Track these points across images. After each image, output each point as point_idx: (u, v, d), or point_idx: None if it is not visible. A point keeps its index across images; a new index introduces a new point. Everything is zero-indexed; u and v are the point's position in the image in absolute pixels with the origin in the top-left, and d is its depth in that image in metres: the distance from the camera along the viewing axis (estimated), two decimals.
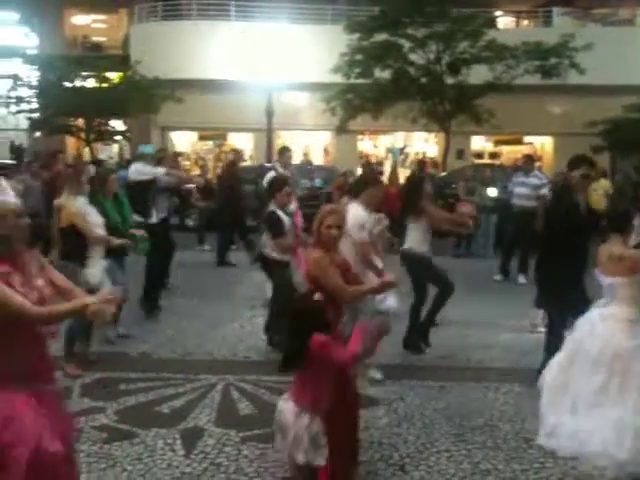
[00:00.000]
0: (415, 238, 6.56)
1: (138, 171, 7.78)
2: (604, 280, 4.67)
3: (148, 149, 8.29)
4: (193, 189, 11.68)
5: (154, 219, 7.81)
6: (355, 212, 5.49)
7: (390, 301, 5.59)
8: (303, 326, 3.67)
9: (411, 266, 6.59)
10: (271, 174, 8.76)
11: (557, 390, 4.71)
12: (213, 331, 7.40)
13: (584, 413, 4.50)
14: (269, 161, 19.05)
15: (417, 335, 6.69)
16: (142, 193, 7.66)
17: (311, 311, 3.74)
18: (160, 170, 7.86)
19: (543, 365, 5.17)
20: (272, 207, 6.45)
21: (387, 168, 19.73)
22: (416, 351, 6.64)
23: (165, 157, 8.75)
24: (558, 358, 4.81)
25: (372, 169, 12.62)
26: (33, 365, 3.19)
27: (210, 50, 20.69)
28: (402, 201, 7.05)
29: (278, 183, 6.69)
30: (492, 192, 12.28)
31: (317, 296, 3.82)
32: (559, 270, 5.56)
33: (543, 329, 6.53)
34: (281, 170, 9.19)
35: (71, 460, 3.32)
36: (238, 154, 13.97)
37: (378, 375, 5.84)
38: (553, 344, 5.28)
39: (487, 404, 5.48)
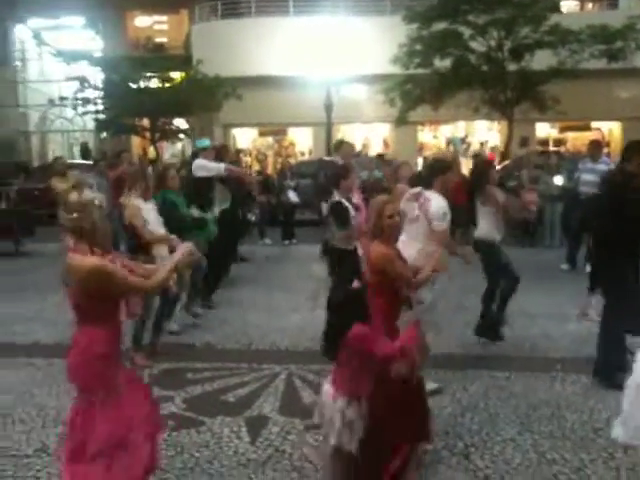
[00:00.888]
0: (486, 224, 6.52)
1: (201, 166, 7.92)
2: None
3: (204, 142, 8.40)
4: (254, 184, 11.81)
5: (215, 213, 7.94)
6: (437, 201, 5.32)
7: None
8: (343, 314, 3.68)
9: (483, 252, 6.53)
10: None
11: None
12: (276, 322, 7.51)
13: None
14: (329, 155, 19.12)
15: (490, 323, 6.63)
16: (205, 188, 7.80)
17: (351, 300, 3.74)
18: (221, 166, 7.99)
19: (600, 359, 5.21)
20: (337, 197, 6.41)
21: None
22: (490, 337, 6.58)
23: (225, 152, 8.87)
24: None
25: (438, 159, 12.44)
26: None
27: (269, 47, 20.88)
28: (469, 188, 6.99)
29: (343, 172, 6.64)
30: (558, 180, 11.98)
31: (356, 283, 3.82)
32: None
33: (596, 317, 6.48)
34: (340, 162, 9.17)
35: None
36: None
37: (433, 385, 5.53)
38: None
39: (553, 394, 5.38)
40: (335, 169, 7.14)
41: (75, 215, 3.36)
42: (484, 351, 6.43)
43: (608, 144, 21.71)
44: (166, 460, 4.35)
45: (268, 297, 8.70)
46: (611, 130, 22.55)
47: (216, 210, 7.95)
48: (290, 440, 4.62)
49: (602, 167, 9.91)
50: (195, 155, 8.45)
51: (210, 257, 7.52)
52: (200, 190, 7.68)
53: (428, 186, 5.47)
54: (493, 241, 6.49)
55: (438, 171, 5.53)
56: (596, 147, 10.56)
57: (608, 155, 16.15)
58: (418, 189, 5.56)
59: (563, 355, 6.31)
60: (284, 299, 8.56)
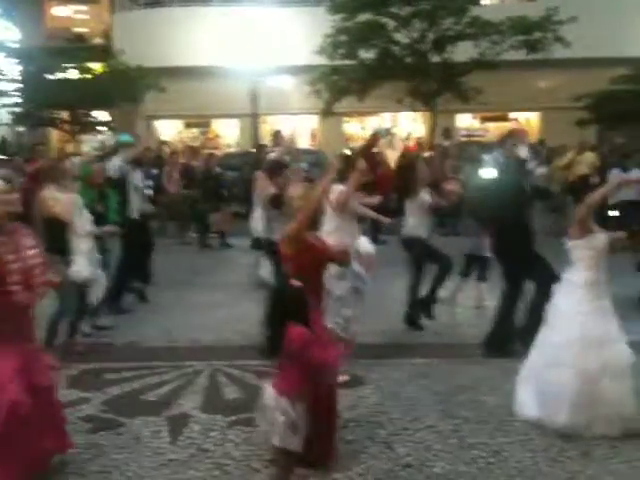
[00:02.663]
0: (413, 220, 6.66)
1: (116, 168, 7.64)
2: (569, 244, 4.73)
3: (126, 137, 8.13)
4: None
5: (134, 214, 7.70)
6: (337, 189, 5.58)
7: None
8: (282, 313, 3.67)
9: (409, 248, 6.71)
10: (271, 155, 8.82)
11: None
12: (200, 317, 7.39)
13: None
14: (255, 147, 18.97)
15: (417, 311, 6.82)
16: (120, 191, 7.51)
17: (291, 298, 3.73)
18: (123, 159, 7.63)
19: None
20: (273, 191, 6.41)
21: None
22: (417, 327, 6.78)
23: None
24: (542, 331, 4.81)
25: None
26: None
27: (193, 37, 20.50)
28: (397, 182, 7.16)
29: (277, 166, 6.66)
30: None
31: (295, 282, 3.80)
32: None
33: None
34: (275, 153, 9.21)
35: None
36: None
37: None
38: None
39: (473, 379, 5.50)
40: (271, 163, 7.16)
41: None
42: (405, 339, 6.53)
43: (526, 134, 22.36)
44: (83, 464, 4.22)
45: (192, 292, 8.56)
46: (529, 120, 23.23)
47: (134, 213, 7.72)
48: (212, 438, 4.55)
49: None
50: (113, 153, 8.12)
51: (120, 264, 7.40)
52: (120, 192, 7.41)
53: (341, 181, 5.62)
54: (420, 237, 6.62)
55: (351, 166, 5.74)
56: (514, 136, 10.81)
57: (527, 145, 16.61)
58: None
59: (482, 341, 6.44)
60: (209, 294, 8.44)
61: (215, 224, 12.34)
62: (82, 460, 4.26)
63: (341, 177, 5.72)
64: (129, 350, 6.45)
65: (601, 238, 4.65)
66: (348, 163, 6.07)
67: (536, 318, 5.65)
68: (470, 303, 7.71)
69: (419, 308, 6.83)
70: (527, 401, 4.71)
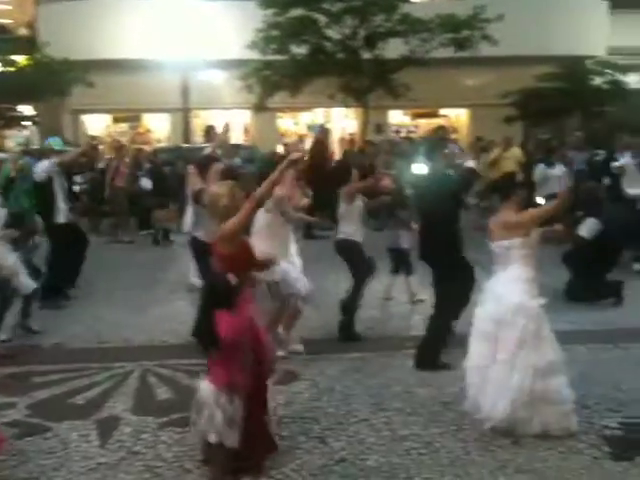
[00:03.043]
0: (349, 225, 6.54)
1: (40, 170, 7.39)
2: (497, 246, 4.73)
3: (56, 143, 7.85)
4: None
5: (60, 219, 7.49)
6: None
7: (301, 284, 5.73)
8: (212, 304, 3.64)
9: (346, 254, 6.57)
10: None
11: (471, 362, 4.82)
12: (130, 317, 7.25)
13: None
14: (186, 142, 18.72)
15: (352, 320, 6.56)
16: (43, 195, 7.33)
17: (219, 289, 3.70)
18: (52, 162, 7.43)
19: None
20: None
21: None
22: (356, 339, 6.48)
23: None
24: (475, 328, 4.88)
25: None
26: None
27: (122, 29, 19.97)
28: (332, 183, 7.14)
29: (207, 161, 6.51)
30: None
31: (231, 277, 3.74)
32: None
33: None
34: (209, 149, 9.09)
35: None
36: None
37: (300, 347, 5.93)
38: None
39: (405, 371, 5.58)
40: (201, 158, 7.03)
41: None
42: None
43: (456, 130, 22.83)
44: (8, 471, 4.08)
45: (123, 291, 8.37)
46: (458, 117, 23.72)
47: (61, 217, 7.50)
48: (143, 440, 4.46)
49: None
50: (43, 155, 7.84)
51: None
52: (42, 196, 7.18)
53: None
54: (355, 242, 6.53)
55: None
56: (442, 133, 11.03)
57: (455, 141, 17.01)
58: None
59: (414, 333, 6.54)
60: (140, 293, 8.27)
61: (158, 220, 12.11)
62: (7, 467, 4.11)
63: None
64: (57, 352, 6.27)
65: (535, 236, 4.74)
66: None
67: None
68: (404, 298, 7.78)
69: (353, 318, 6.60)
70: (472, 396, 4.71)
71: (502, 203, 4.86)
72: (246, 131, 22.89)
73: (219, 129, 9.56)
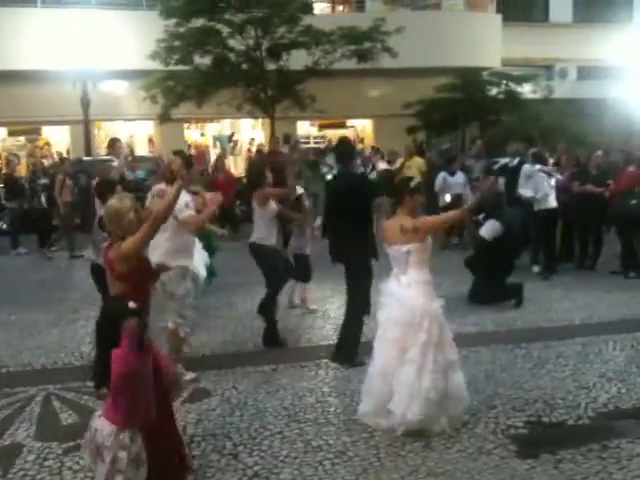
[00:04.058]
0: (263, 228, 6.52)
1: None
2: (395, 250, 4.83)
3: None
4: None
5: None
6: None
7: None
8: (108, 336, 3.39)
9: (260, 258, 6.52)
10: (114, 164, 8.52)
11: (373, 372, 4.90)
12: (30, 339, 6.92)
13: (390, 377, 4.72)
14: (88, 154, 18.13)
15: (274, 327, 6.59)
16: None
17: (118, 317, 3.44)
18: None
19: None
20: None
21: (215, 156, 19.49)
22: (281, 345, 6.53)
23: None
24: (379, 332, 4.95)
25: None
26: None
27: (16, 39, 19.15)
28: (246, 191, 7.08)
29: (108, 187, 6.47)
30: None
31: (131, 304, 3.56)
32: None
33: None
34: (115, 163, 8.92)
35: None
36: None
37: (191, 375, 5.67)
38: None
39: (317, 381, 5.61)
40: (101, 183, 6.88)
41: None
42: (251, 347, 6.50)
43: (362, 140, 23.24)
44: None
45: (23, 312, 7.98)
46: (364, 127, 24.16)
47: None
48: (48, 467, 4.26)
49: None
50: None
51: None
52: None
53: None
54: (269, 245, 6.53)
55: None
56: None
57: (362, 150, 17.32)
58: (162, 186, 5.63)
59: (326, 343, 6.60)
60: (42, 313, 7.91)
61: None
62: None
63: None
64: None
65: (430, 241, 4.89)
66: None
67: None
68: (308, 305, 7.83)
69: (274, 324, 6.62)
70: (372, 403, 4.80)
71: (397, 207, 4.97)
72: (150, 142, 22.46)
73: (123, 141, 9.48)
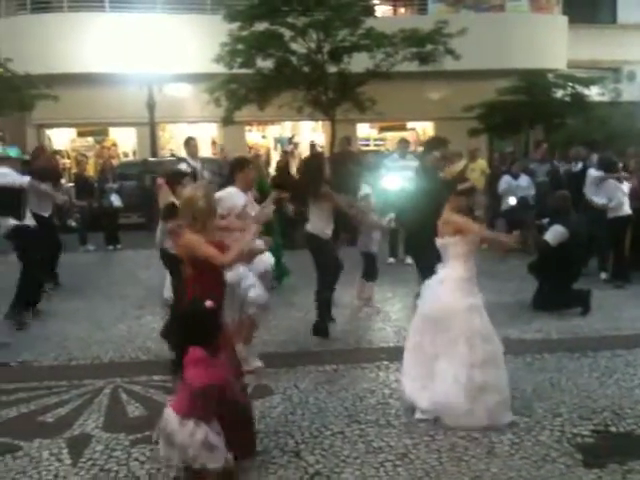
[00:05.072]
0: (318, 220, 6.58)
1: (3, 175, 7.29)
2: (438, 242, 4.94)
3: (13, 152, 7.78)
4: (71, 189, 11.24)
5: (27, 221, 7.39)
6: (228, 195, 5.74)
7: (257, 291, 5.63)
8: (188, 332, 3.54)
9: (314, 249, 6.61)
10: (182, 166, 8.67)
11: (409, 355, 5.01)
12: (99, 334, 7.13)
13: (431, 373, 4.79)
14: (154, 155, 18.59)
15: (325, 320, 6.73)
16: (9, 197, 7.18)
17: (197, 318, 3.59)
18: (24, 181, 7.42)
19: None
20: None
21: (277, 158, 19.71)
22: (323, 335, 6.68)
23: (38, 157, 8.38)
24: (413, 324, 5.09)
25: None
26: None
27: (85, 43, 19.81)
28: (300, 183, 7.15)
29: (178, 175, 6.57)
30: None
31: (209, 303, 3.66)
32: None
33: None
34: (192, 162, 9.11)
35: None
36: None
37: (258, 363, 5.83)
38: None
39: (379, 383, 5.59)
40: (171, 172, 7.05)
41: None
42: (312, 347, 6.53)
43: (423, 143, 23.07)
44: None
45: (91, 307, 8.25)
46: (425, 130, 24.00)
47: (27, 220, 7.41)
48: (115, 457, 4.38)
49: (412, 163, 10.51)
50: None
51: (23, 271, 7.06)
52: (2, 198, 7.07)
53: (230, 183, 5.69)
54: (325, 238, 6.59)
55: (237, 168, 5.93)
56: (403, 144, 11.26)
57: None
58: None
59: (386, 345, 6.58)
60: (108, 308, 8.16)
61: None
62: None
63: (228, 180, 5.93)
64: (24, 370, 6.12)
65: (472, 237, 4.86)
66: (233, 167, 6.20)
67: None
68: (372, 304, 7.84)
69: (327, 315, 6.76)
70: (418, 397, 4.86)
71: (448, 204, 5.01)
72: (213, 144, 22.85)
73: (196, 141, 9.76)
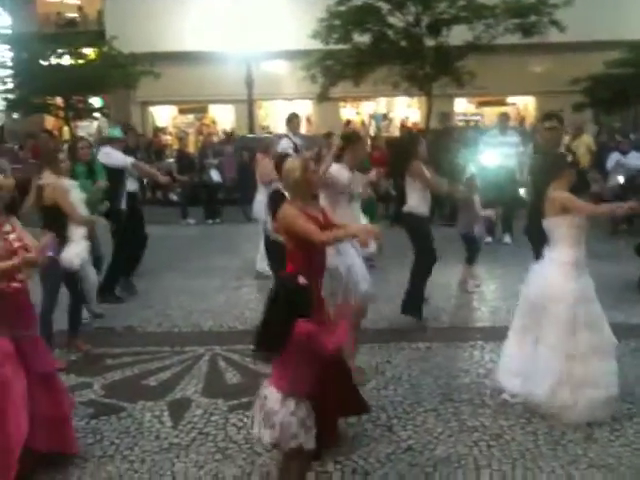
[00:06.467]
0: (415, 198, 6.41)
1: (107, 155, 7.52)
2: (546, 223, 4.69)
3: (116, 132, 8.06)
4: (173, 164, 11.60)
5: (122, 205, 7.59)
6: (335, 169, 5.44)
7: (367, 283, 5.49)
8: (288, 309, 3.55)
9: (412, 228, 6.45)
10: (284, 142, 8.73)
11: (511, 338, 4.88)
12: (199, 303, 7.39)
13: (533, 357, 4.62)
14: (251, 132, 18.92)
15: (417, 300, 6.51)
16: (111, 179, 7.33)
17: (296, 294, 3.59)
18: (128, 161, 7.65)
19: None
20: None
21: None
22: (416, 316, 6.45)
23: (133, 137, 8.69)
24: (518, 307, 4.91)
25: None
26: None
27: (186, 21, 20.37)
28: (393, 161, 7.00)
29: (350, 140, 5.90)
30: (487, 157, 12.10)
31: (301, 279, 3.65)
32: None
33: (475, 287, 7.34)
34: (293, 138, 9.14)
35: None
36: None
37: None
38: None
39: (473, 362, 5.51)
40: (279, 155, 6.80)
41: None
42: (405, 324, 6.49)
43: (523, 118, 22.31)
44: (85, 448, 4.22)
45: (191, 278, 8.55)
46: (526, 105, 23.18)
47: (122, 204, 7.63)
48: (214, 422, 4.56)
49: (512, 139, 10.17)
50: (104, 143, 8.05)
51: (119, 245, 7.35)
52: (110, 181, 7.33)
53: (338, 159, 5.54)
54: (422, 215, 6.43)
55: (346, 144, 5.60)
56: (504, 119, 10.84)
57: (522, 129, 16.61)
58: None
59: (482, 325, 6.47)
60: (208, 279, 8.42)
61: None
62: (83, 445, 4.26)
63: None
64: (129, 335, 6.45)
65: (579, 218, 4.61)
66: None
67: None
68: (466, 286, 7.69)
69: (420, 298, 6.53)
70: (510, 381, 4.76)
71: (553, 181, 4.73)
72: (308, 121, 22.98)
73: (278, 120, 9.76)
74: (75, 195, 5.96)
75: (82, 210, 5.98)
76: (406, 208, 6.50)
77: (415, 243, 6.47)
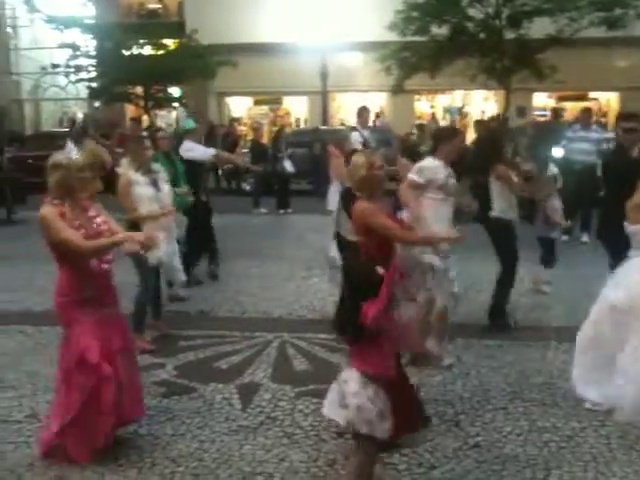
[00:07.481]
0: (502, 202, 6.10)
1: (190, 149, 7.60)
2: (629, 229, 4.52)
3: (190, 123, 8.22)
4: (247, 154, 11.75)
5: (204, 197, 7.71)
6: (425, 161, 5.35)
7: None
8: (354, 292, 3.48)
9: (499, 236, 6.12)
10: (354, 136, 8.74)
11: (586, 344, 4.67)
12: (269, 291, 7.50)
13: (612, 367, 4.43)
14: (324, 124, 18.98)
15: (501, 309, 6.23)
16: (192, 172, 7.42)
17: (369, 277, 3.50)
18: (210, 152, 7.78)
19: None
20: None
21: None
22: (505, 329, 6.16)
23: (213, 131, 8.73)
24: (600, 310, 4.68)
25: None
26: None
27: (263, 13, 20.59)
28: (475, 159, 6.84)
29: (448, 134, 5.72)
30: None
31: (380, 269, 3.61)
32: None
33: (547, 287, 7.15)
34: (362, 131, 9.15)
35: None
36: None
37: (450, 360, 5.41)
38: None
39: (545, 362, 5.39)
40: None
41: None
42: (476, 320, 6.38)
43: (605, 114, 21.56)
44: (157, 426, 4.36)
45: (262, 266, 8.68)
46: (609, 100, 22.37)
47: (204, 196, 7.74)
48: (281, 407, 4.62)
49: (594, 135, 9.83)
50: (181, 138, 8.18)
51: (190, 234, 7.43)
52: (186, 172, 7.45)
53: (432, 152, 5.40)
54: (509, 221, 6.12)
55: (443, 138, 5.39)
56: (587, 115, 10.47)
57: (604, 125, 16.03)
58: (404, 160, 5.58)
59: (556, 324, 6.30)
60: (278, 268, 8.54)
61: None
62: (155, 423, 4.40)
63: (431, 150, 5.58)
64: (202, 319, 6.62)
65: None
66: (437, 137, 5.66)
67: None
68: (547, 288, 7.48)
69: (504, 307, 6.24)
70: (588, 388, 4.59)
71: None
72: (377, 116, 22.88)
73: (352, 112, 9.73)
74: (146, 190, 5.77)
75: (147, 205, 5.73)
76: (494, 213, 6.14)
77: (500, 250, 6.15)
